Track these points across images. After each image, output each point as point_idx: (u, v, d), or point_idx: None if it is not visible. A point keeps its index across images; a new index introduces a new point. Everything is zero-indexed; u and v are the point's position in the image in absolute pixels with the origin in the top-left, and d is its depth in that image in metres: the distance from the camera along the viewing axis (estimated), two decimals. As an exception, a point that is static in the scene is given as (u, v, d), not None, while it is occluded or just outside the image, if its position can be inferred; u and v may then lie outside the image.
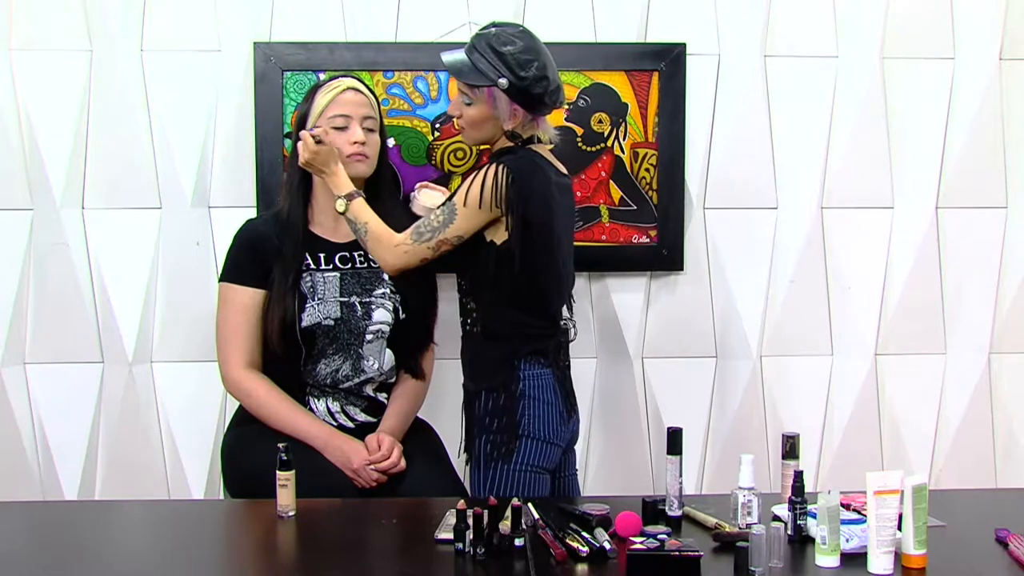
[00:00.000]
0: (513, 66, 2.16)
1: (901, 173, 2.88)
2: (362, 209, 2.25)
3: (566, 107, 2.71)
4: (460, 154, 2.72)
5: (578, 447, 2.43)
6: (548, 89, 2.20)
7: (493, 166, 2.15)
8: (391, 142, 2.66)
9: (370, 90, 2.41)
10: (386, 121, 2.56)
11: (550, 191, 2.21)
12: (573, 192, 2.44)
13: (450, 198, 2.18)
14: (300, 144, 2.27)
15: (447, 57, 2.24)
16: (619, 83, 2.74)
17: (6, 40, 2.68)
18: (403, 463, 2.25)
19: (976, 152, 2.88)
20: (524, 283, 2.19)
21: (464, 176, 2.71)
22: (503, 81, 2.16)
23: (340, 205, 2.24)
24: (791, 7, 2.81)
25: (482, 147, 2.45)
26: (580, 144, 2.74)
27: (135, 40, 2.70)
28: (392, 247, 2.20)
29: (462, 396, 2.30)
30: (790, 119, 2.83)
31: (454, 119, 2.31)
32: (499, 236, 2.17)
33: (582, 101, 2.72)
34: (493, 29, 2.21)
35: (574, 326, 2.34)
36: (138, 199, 2.73)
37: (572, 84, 2.71)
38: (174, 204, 2.74)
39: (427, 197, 2.51)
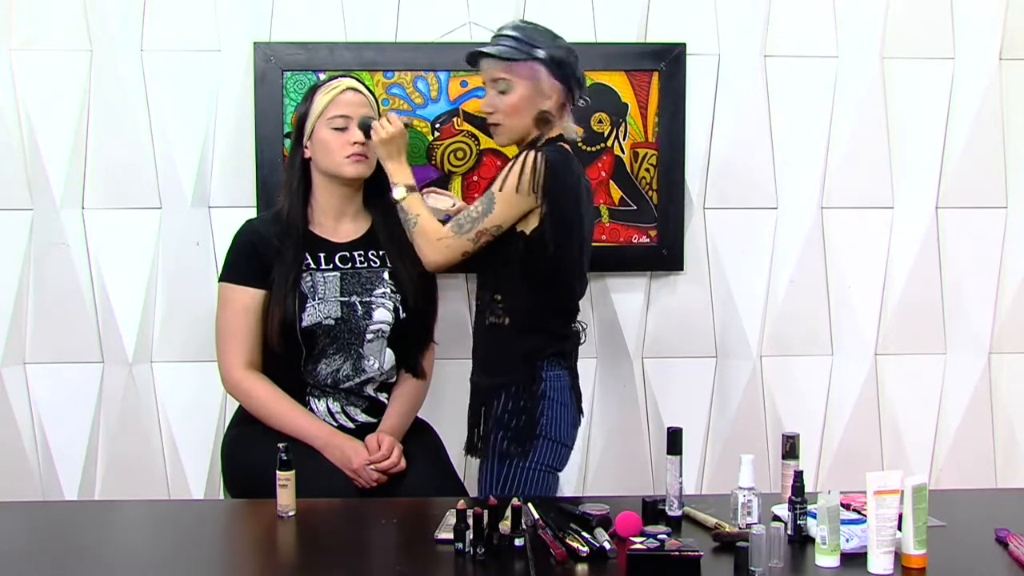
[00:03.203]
0: (548, 38, 2.24)
1: (901, 173, 2.88)
2: (418, 202, 2.27)
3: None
4: (460, 154, 2.72)
5: (578, 447, 2.43)
6: (577, 66, 2.26)
7: (530, 153, 2.15)
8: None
9: (369, 90, 2.41)
10: (386, 121, 2.57)
11: (580, 188, 2.24)
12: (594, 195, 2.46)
13: (487, 189, 2.19)
14: (383, 121, 2.29)
15: (491, 50, 2.23)
16: (619, 83, 2.74)
17: (6, 40, 2.68)
18: (403, 463, 2.25)
19: (976, 152, 2.88)
20: (551, 274, 2.20)
21: (465, 173, 2.72)
22: (541, 52, 2.21)
23: (399, 192, 2.26)
24: (791, 7, 2.81)
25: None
26: (580, 144, 2.73)
27: (135, 40, 2.70)
28: (435, 241, 2.20)
29: (469, 391, 2.29)
30: (790, 119, 2.83)
31: (488, 119, 2.29)
32: (529, 225, 2.17)
33: (582, 101, 2.70)
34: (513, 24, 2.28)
35: (584, 329, 2.35)
36: (138, 199, 2.73)
37: (572, 84, 2.72)
38: (174, 204, 2.74)
39: (434, 201, 2.51)
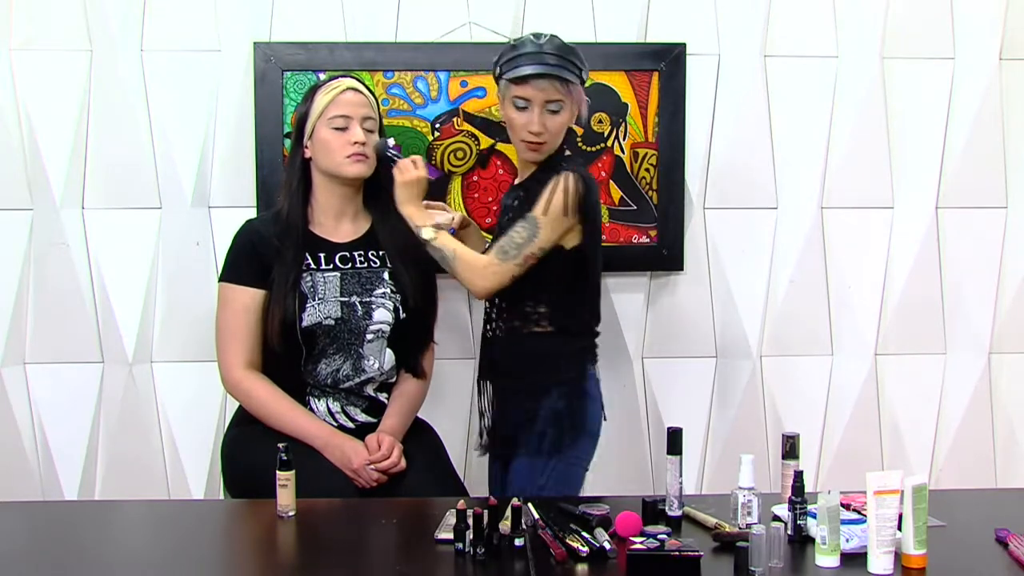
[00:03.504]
0: (583, 59, 2.28)
1: (901, 173, 2.88)
2: (447, 237, 2.29)
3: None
4: (460, 154, 2.72)
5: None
6: None
7: (566, 175, 2.22)
8: (391, 142, 2.66)
9: (370, 90, 2.41)
10: (386, 121, 2.56)
11: (599, 198, 2.37)
12: None
13: (527, 212, 2.21)
14: (408, 163, 2.29)
15: (561, 74, 2.23)
16: (619, 83, 2.74)
17: (6, 40, 2.68)
18: (403, 463, 2.25)
19: (976, 152, 2.88)
20: (591, 282, 2.32)
21: (465, 173, 2.71)
22: (585, 74, 2.29)
23: (428, 233, 2.25)
24: (791, 7, 2.81)
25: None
26: (580, 144, 2.73)
27: (135, 40, 2.70)
28: (481, 269, 2.22)
29: (491, 394, 2.33)
30: (790, 119, 2.83)
31: (536, 139, 2.26)
32: (570, 242, 2.24)
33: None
34: (539, 35, 2.27)
35: None
36: (138, 199, 2.73)
37: (572, 84, 2.72)
38: (174, 204, 2.74)
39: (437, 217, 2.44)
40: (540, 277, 2.24)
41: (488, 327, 2.36)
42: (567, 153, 2.35)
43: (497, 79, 2.32)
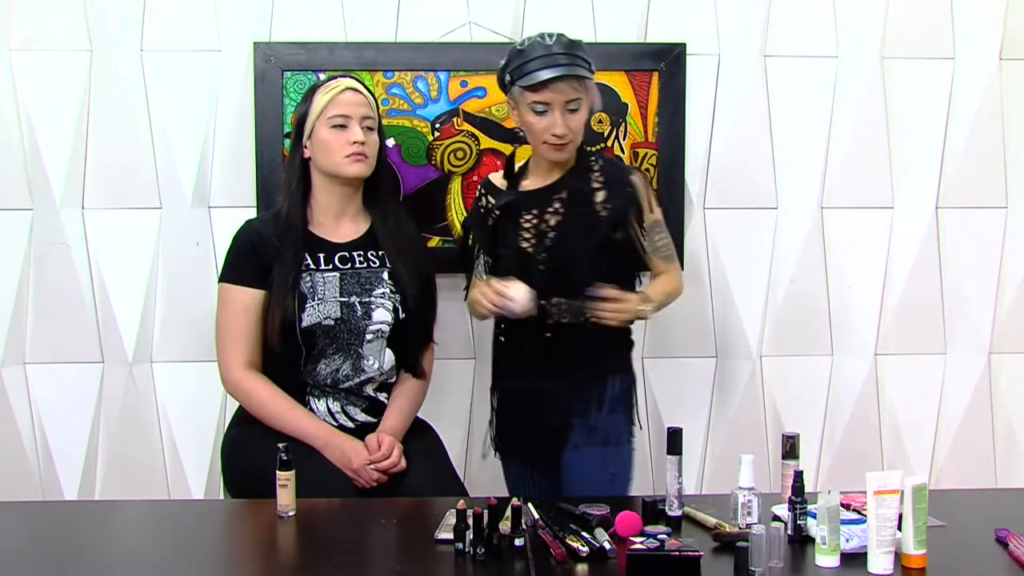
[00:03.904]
0: (587, 51, 2.29)
1: (901, 173, 2.88)
2: (656, 292, 2.35)
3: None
4: (460, 154, 2.72)
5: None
6: None
7: (637, 173, 2.40)
8: (391, 142, 2.66)
9: (369, 90, 2.41)
10: (386, 121, 2.57)
11: None
12: None
13: (637, 215, 2.33)
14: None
15: (577, 72, 2.23)
16: (619, 83, 2.73)
17: (6, 40, 2.68)
18: (403, 463, 2.25)
19: (976, 152, 2.88)
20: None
21: (465, 173, 2.72)
22: (592, 66, 2.29)
23: (647, 308, 2.29)
24: (791, 7, 2.81)
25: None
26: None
27: (135, 40, 2.70)
28: (679, 282, 2.43)
29: (544, 394, 2.31)
30: (790, 119, 2.83)
31: (561, 139, 2.26)
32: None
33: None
34: (545, 35, 2.27)
35: None
36: (138, 199, 2.73)
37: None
38: (174, 204, 2.74)
39: (517, 290, 2.22)
40: (611, 267, 2.29)
41: (541, 323, 2.27)
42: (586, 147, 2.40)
43: (507, 85, 2.29)
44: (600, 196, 2.32)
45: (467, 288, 2.44)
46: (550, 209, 2.31)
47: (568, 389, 2.30)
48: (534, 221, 2.32)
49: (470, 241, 2.46)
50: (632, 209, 2.32)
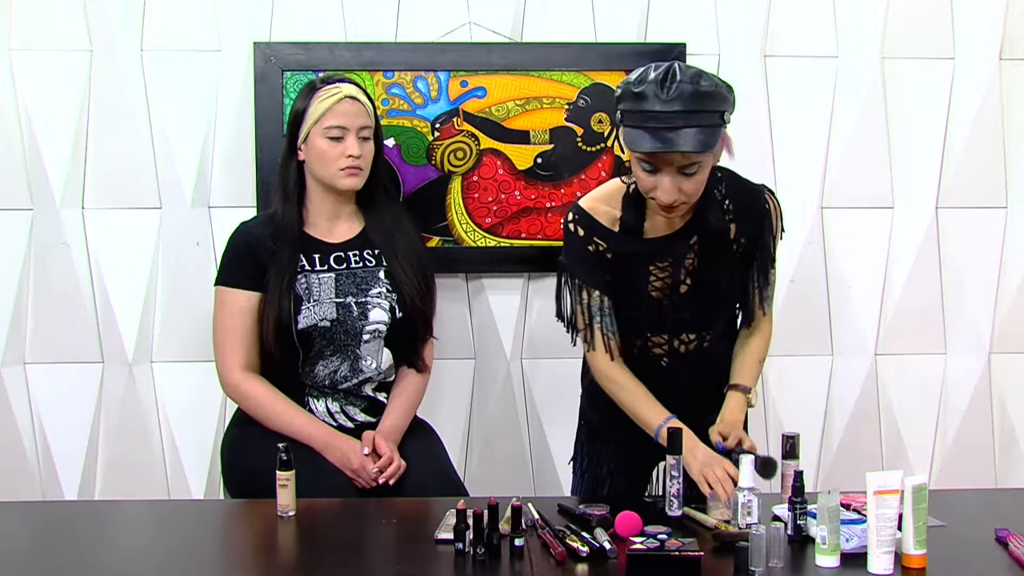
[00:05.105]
0: (726, 93, 1.95)
1: (901, 173, 2.88)
2: (744, 378, 2.20)
3: (566, 107, 2.71)
4: (460, 154, 2.72)
5: (579, 447, 2.43)
6: None
7: (768, 194, 2.21)
8: (391, 142, 2.66)
9: (368, 95, 2.39)
10: (386, 121, 2.56)
11: None
12: None
13: (762, 256, 2.18)
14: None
15: (695, 145, 1.88)
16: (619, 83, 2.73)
17: (6, 40, 2.68)
18: (403, 463, 2.24)
19: (976, 152, 2.88)
20: None
21: (465, 173, 2.72)
22: (728, 113, 1.96)
23: (752, 398, 2.19)
24: (791, 7, 2.81)
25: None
26: (580, 144, 2.74)
27: (135, 40, 2.70)
28: (770, 336, 2.24)
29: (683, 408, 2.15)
30: (790, 119, 2.83)
31: (673, 203, 1.96)
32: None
33: (582, 101, 2.72)
34: (667, 80, 1.88)
35: None
36: (138, 199, 2.73)
37: (572, 84, 2.71)
38: (174, 204, 2.74)
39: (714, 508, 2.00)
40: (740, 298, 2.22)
41: (675, 346, 2.17)
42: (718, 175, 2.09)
43: (616, 123, 2.09)
44: (732, 229, 2.12)
45: (586, 340, 2.15)
46: (685, 259, 2.10)
47: (702, 405, 2.18)
48: (669, 270, 2.10)
49: (574, 280, 2.13)
50: (767, 238, 2.15)
